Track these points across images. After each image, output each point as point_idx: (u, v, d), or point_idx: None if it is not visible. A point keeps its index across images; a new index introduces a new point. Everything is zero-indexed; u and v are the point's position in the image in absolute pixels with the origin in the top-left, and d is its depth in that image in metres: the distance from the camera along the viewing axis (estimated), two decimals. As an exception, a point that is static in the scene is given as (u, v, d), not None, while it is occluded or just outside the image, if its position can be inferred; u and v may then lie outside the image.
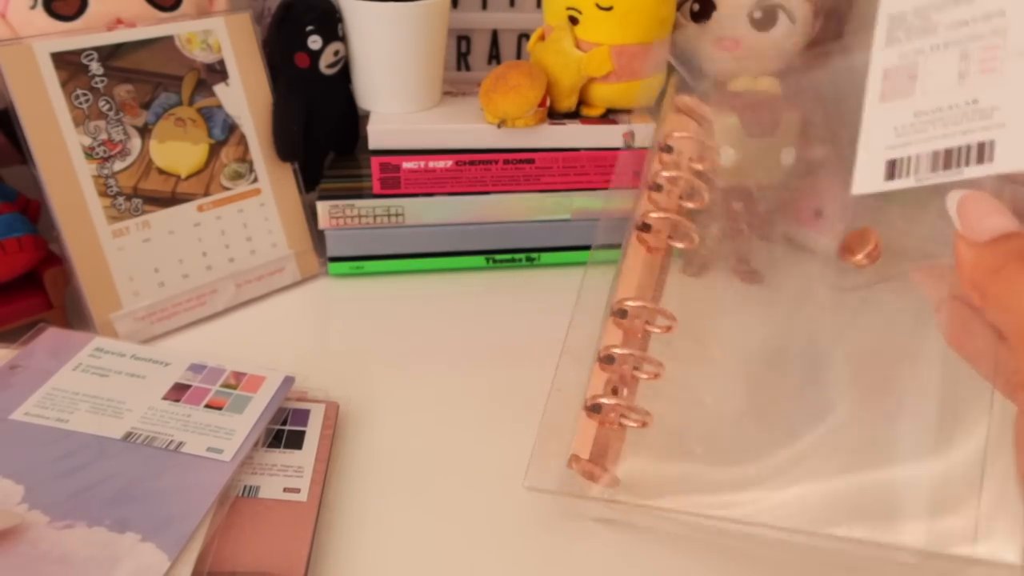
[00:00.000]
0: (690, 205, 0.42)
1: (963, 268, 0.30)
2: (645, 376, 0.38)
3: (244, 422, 0.40)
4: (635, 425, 0.37)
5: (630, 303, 0.39)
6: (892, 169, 0.33)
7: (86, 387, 0.41)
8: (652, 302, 0.40)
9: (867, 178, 0.34)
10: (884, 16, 0.36)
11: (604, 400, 0.37)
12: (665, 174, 0.42)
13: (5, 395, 0.40)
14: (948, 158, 0.31)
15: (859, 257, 0.40)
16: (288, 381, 0.44)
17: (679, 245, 0.41)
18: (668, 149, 0.44)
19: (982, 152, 0.30)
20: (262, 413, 0.41)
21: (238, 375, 0.43)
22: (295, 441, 0.41)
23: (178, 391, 0.42)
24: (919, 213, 0.38)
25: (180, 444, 0.38)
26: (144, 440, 0.38)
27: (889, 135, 0.33)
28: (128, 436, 0.38)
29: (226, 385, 0.43)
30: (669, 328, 0.39)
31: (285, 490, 0.38)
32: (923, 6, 0.34)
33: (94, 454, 0.37)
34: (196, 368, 0.44)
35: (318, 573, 0.36)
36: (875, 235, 0.40)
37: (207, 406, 0.41)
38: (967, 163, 0.30)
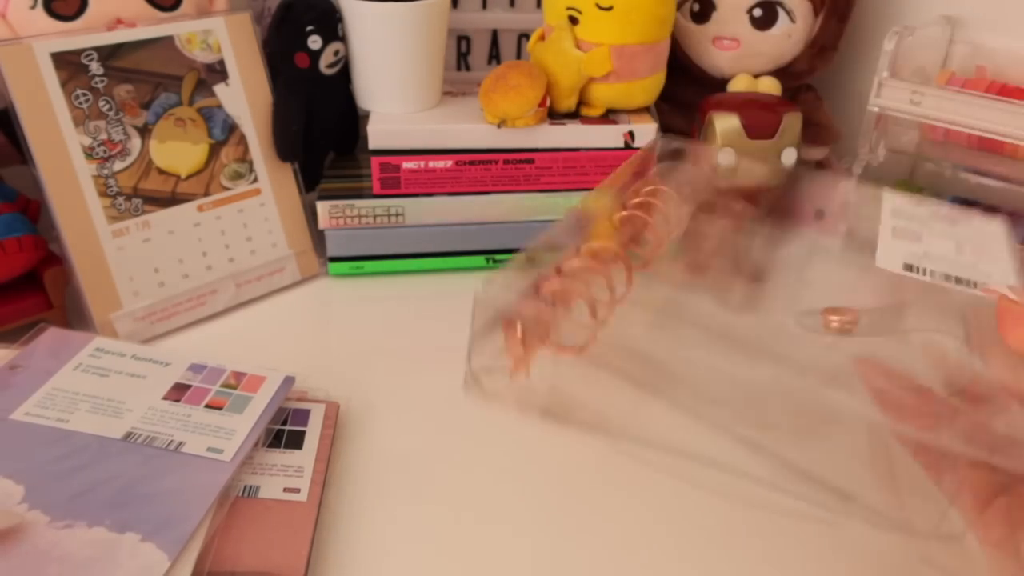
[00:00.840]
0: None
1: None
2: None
3: (244, 422, 0.40)
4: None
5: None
6: (909, 268, 0.40)
7: (86, 387, 0.41)
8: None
9: (887, 261, 0.41)
10: (887, 208, 0.45)
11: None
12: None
13: (5, 395, 0.40)
14: (959, 279, 0.39)
15: (833, 320, 0.43)
16: (288, 381, 0.44)
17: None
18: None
19: (988, 281, 0.39)
20: (262, 413, 0.41)
21: (238, 375, 0.43)
22: (295, 441, 0.41)
23: (178, 391, 0.42)
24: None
25: (180, 444, 0.38)
26: (144, 440, 0.38)
27: (904, 253, 0.41)
28: (128, 436, 0.38)
29: (226, 385, 0.43)
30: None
31: (285, 490, 0.38)
32: (919, 216, 0.44)
33: (94, 454, 0.37)
34: (196, 368, 0.44)
35: (318, 573, 0.36)
36: (856, 315, 0.43)
37: (207, 406, 0.41)
38: (976, 285, 0.39)
